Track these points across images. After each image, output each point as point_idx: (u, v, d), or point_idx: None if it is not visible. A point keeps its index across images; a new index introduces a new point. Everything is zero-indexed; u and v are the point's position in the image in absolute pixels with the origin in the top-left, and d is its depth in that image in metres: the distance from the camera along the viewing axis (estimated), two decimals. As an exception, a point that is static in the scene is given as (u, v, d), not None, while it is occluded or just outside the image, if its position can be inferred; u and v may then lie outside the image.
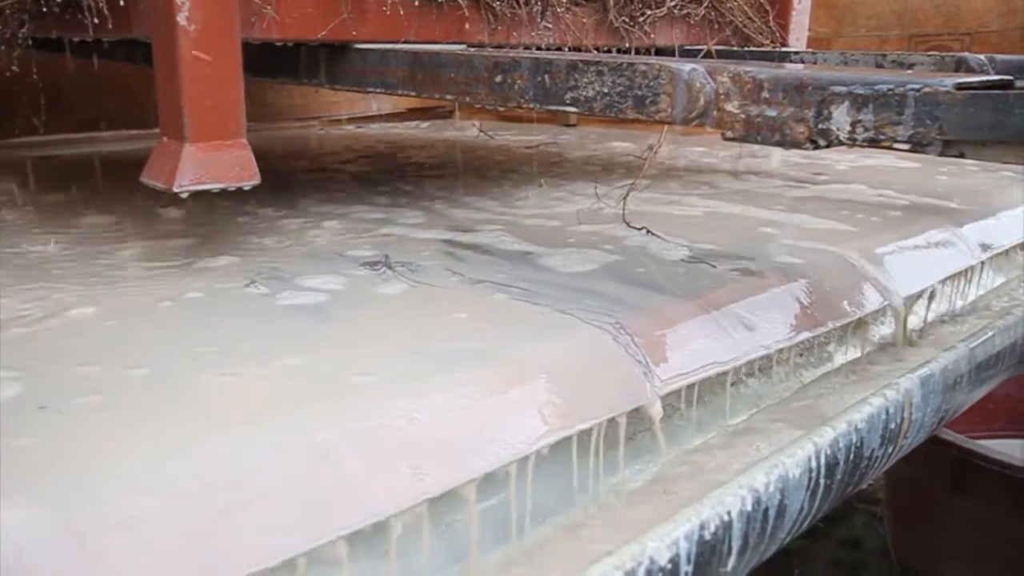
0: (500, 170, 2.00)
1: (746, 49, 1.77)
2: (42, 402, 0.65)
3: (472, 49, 1.28)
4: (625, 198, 1.33)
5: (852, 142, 0.84)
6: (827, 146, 0.86)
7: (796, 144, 0.87)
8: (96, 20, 1.13)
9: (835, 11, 2.81)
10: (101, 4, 1.12)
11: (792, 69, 0.99)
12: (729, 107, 0.90)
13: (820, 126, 0.84)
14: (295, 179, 1.86)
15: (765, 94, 0.88)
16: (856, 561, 2.34)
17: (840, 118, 0.83)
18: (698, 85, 0.91)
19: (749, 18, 1.80)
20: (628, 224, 1.27)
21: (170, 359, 0.75)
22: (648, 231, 1.24)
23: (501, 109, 1.29)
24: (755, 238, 1.24)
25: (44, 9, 1.19)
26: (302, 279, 1.00)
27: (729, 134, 0.91)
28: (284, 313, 0.88)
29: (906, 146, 0.81)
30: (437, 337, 0.81)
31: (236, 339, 0.81)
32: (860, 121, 0.82)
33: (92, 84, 2.11)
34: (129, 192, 1.48)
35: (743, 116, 0.90)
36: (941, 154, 0.80)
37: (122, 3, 1.10)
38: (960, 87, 0.77)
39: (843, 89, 0.82)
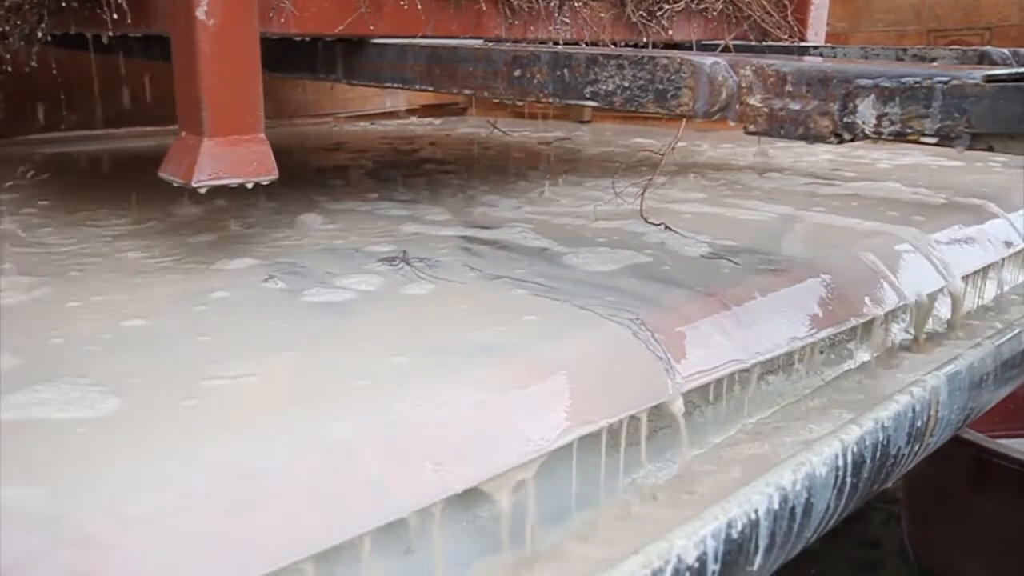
0: (516, 166, 1.99)
1: (764, 44, 1.75)
2: (64, 403, 0.65)
3: (490, 44, 1.27)
4: (643, 194, 1.32)
5: (878, 136, 0.82)
6: (852, 140, 0.84)
7: (820, 138, 0.86)
8: (115, 15, 1.13)
9: (852, 6, 2.79)
10: (120, -1, 1.12)
11: (815, 62, 0.98)
12: (752, 101, 0.89)
13: (845, 119, 0.83)
14: (312, 175, 1.86)
15: (789, 87, 0.86)
16: (874, 560, 2.33)
17: (866, 111, 0.82)
18: (720, 79, 0.90)
19: (767, 12, 1.79)
20: (646, 220, 1.26)
21: (190, 357, 0.74)
22: (667, 227, 1.23)
23: (520, 104, 1.29)
24: (776, 234, 1.22)
25: (63, 4, 1.19)
26: (321, 275, 0.99)
27: (752, 128, 0.90)
28: (304, 310, 0.88)
29: (933, 140, 0.80)
30: (457, 332, 0.80)
31: (256, 336, 0.80)
32: (886, 114, 0.81)
33: (109, 80, 2.11)
34: (147, 187, 1.48)
35: (766, 110, 0.89)
36: (969, 148, 0.79)
37: (140, -3, 1.10)
38: (989, 80, 0.75)
39: (869, 82, 0.81)
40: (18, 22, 1.26)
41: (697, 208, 1.42)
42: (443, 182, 1.73)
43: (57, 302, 0.91)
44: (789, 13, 1.82)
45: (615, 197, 1.40)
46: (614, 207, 1.37)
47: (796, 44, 1.76)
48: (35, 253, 1.15)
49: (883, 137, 0.82)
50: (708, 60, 0.91)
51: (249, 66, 1.00)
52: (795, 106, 0.86)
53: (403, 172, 1.90)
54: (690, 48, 1.63)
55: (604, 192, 1.51)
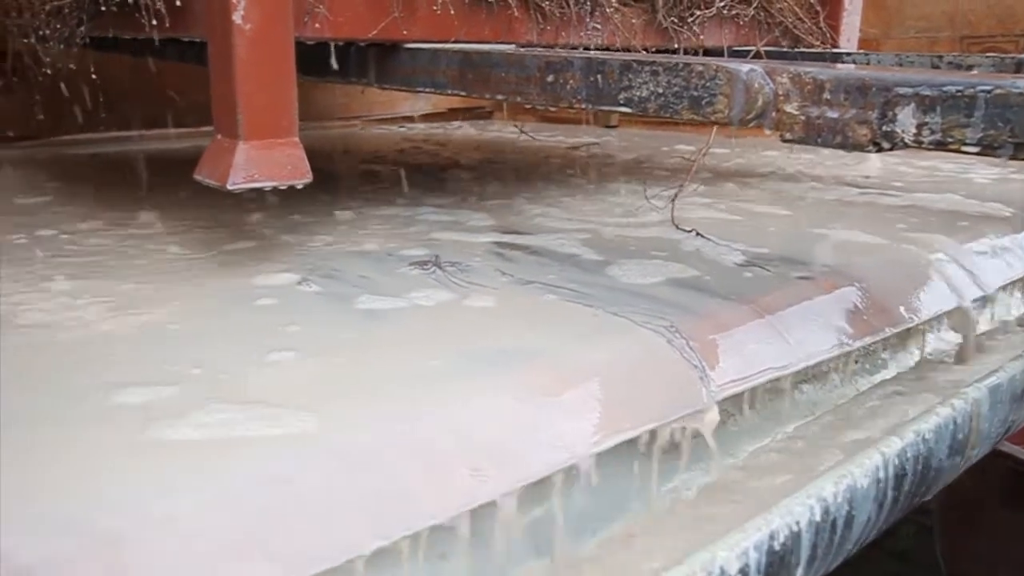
0: (547, 171, 1.99)
1: (797, 50, 1.74)
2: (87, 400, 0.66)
3: (522, 49, 1.27)
4: (674, 200, 1.31)
5: (918, 145, 0.81)
6: (891, 149, 0.84)
7: (858, 147, 0.85)
8: (154, 20, 1.14)
9: (884, 12, 2.76)
10: (158, 3, 1.13)
11: (852, 70, 0.97)
12: (788, 108, 0.88)
13: (884, 128, 0.82)
14: (344, 178, 1.87)
15: (826, 95, 0.86)
16: (905, 573, 2.29)
17: (905, 120, 0.81)
18: (757, 86, 0.89)
19: (799, 19, 1.78)
20: (677, 227, 1.25)
21: (231, 359, 0.75)
22: (698, 233, 1.22)
23: (552, 110, 1.29)
24: (808, 241, 1.21)
25: (102, 8, 1.21)
26: (355, 280, 0.99)
27: (788, 136, 0.90)
28: (337, 315, 0.88)
29: (975, 149, 0.79)
30: (489, 338, 0.80)
31: (291, 340, 0.81)
32: (927, 123, 0.80)
33: (142, 83, 2.13)
34: (181, 190, 1.49)
35: (803, 118, 0.88)
36: (1012, 157, 0.78)
37: (178, 2, 1.11)
38: (1033, 88, 0.74)
39: (909, 90, 0.80)
40: (58, 25, 1.27)
41: (735, 216, 1.41)
42: (473, 186, 1.73)
43: (135, 326, 0.86)
44: (821, 19, 1.80)
45: (647, 203, 1.40)
46: (648, 213, 1.37)
47: (828, 51, 1.75)
48: (84, 262, 1.11)
49: (922, 146, 0.81)
50: (744, 67, 0.90)
51: (284, 70, 1.01)
52: (833, 114, 0.86)
53: (433, 176, 1.90)
54: (721, 54, 1.62)
55: (636, 197, 1.50)
